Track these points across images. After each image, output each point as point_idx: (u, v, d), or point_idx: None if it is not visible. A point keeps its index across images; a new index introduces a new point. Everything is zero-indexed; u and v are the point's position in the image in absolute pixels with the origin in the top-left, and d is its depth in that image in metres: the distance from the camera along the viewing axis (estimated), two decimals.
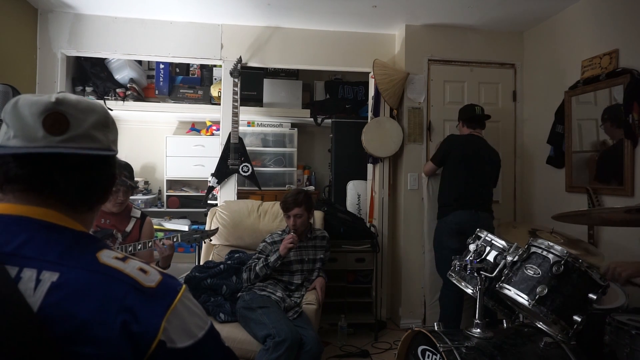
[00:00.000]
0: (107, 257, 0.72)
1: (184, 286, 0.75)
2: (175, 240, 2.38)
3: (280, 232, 2.87)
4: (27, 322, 0.63)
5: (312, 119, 4.78)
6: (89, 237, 0.77)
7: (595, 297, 1.66)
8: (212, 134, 4.89)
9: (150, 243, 2.33)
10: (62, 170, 0.75)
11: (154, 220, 3.57)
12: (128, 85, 4.35)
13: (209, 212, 3.44)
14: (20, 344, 0.61)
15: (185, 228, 4.42)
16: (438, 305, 3.35)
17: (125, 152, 4.46)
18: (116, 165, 0.86)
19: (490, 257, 1.96)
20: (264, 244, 2.82)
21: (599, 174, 3.07)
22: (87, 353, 0.64)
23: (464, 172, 3.17)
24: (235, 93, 3.76)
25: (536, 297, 1.66)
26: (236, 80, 3.76)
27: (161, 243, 2.32)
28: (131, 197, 2.93)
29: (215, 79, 4.62)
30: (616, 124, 2.96)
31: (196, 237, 2.50)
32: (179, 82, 4.63)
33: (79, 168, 0.77)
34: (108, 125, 0.82)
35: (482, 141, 3.27)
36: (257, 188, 4.05)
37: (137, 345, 0.66)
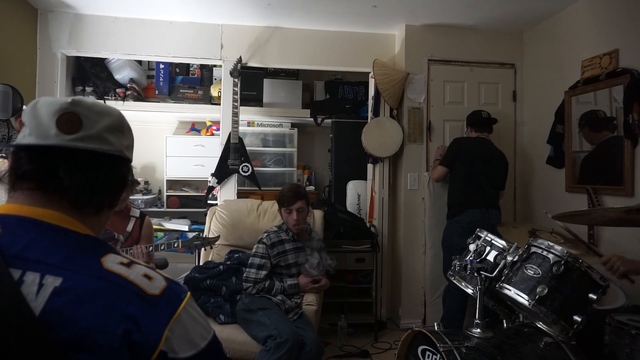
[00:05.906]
0: (112, 262, 0.71)
1: (188, 293, 0.74)
2: (175, 245, 2.38)
3: (276, 230, 2.75)
4: (28, 326, 0.62)
5: (312, 119, 4.77)
6: (94, 241, 0.76)
7: (595, 297, 1.66)
8: (212, 134, 4.89)
9: (150, 248, 2.34)
10: (68, 166, 0.75)
11: (154, 220, 3.58)
12: (128, 85, 4.35)
13: (208, 212, 3.43)
14: (21, 348, 0.61)
15: (185, 228, 4.42)
16: (438, 305, 3.35)
17: None
18: (129, 172, 0.85)
19: (490, 257, 1.96)
20: (262, 246, 2.66)
21: (588, 174, 3.10)
22: None
23: (474, 172, 3.19)
24: (235, 93, 3.76)
25: (536, 297, 1.66)
26: (236, 80, 3.76)
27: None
28: (131, 197, 2.94)
29: (215, 79, 4.62)
30: (594, 128, 2.99)
31: (197, 244, 2.50)
32: (179, 82, 4.62)
33: (86, 166, 0.76)
34: (122, 131, 0.82)
35: (489, 143, 3.32)
36: (257, 188, 4.05)
37: (138, 355, 0.65)
